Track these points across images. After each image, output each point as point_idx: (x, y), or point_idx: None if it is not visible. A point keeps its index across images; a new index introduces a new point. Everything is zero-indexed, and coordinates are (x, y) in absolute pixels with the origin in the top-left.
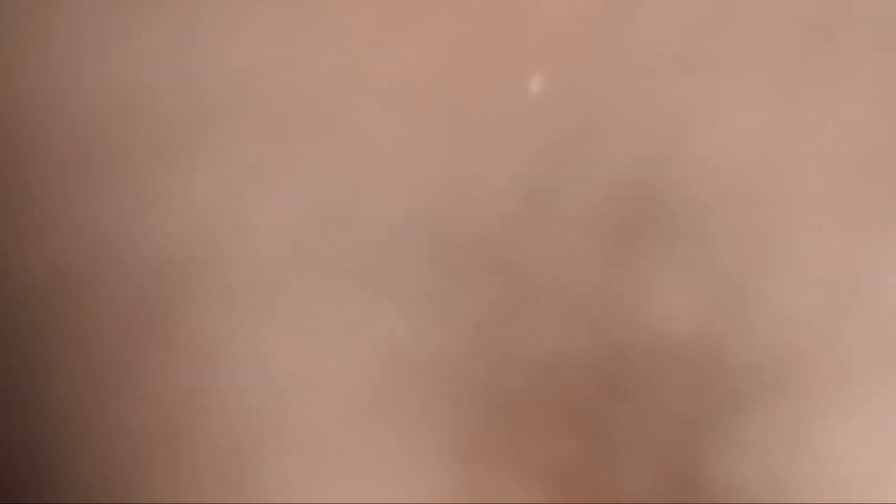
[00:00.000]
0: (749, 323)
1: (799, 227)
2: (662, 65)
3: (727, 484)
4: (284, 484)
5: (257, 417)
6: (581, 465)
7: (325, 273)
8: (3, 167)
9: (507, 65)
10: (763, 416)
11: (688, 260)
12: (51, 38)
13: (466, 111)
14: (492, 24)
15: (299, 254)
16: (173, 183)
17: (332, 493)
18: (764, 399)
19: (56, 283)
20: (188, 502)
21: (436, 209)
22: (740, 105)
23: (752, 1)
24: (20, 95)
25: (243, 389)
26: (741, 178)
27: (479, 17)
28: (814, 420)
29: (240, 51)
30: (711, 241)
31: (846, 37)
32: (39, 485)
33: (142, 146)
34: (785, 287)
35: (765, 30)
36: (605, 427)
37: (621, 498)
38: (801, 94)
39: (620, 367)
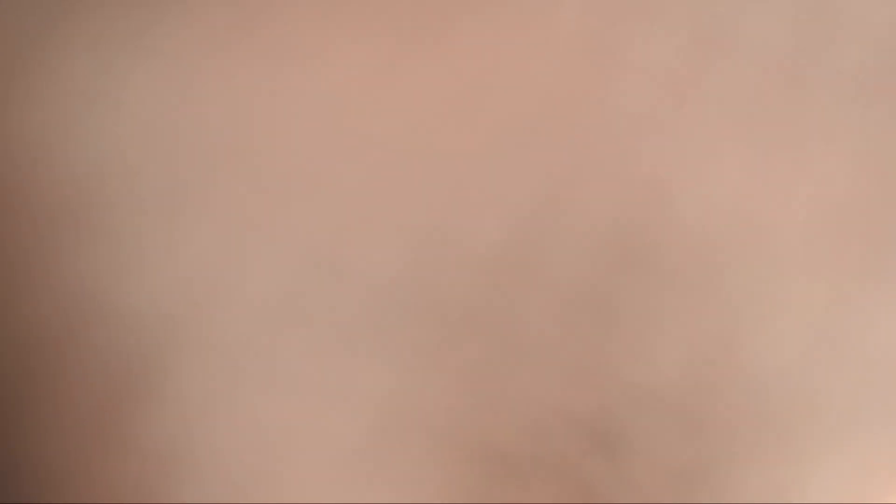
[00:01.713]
0: (734, 376)
1: (779, 279)
2: (641, 123)
3: None
4: None
5: (243, 476)
6: None
7: (312, 329)
8: None
9: (491, 124)
10: (751, 469)
11: (672, 315)
12: (38, 97)
13: (452, 169)
14: (476, 83)
15: (285, 310)
16: (157, 240)
17: None
18: (752, 451)
19: (38, 338)
20: None
21: (423, 266)
22: (718, 160)
23: (728, 58)
24: (5, 152)
25: (230, 448)
26: (722, 233)
27: (464, 76)
28: (801, 472)
29: (225, 109)
30: (695, 295)
31: (821, 90)
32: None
33: (126, 203)
34: (768, 339)
35: (741, 85)
36: (594, 483)
37: None
38: (778, 148)
39: (608, 422)
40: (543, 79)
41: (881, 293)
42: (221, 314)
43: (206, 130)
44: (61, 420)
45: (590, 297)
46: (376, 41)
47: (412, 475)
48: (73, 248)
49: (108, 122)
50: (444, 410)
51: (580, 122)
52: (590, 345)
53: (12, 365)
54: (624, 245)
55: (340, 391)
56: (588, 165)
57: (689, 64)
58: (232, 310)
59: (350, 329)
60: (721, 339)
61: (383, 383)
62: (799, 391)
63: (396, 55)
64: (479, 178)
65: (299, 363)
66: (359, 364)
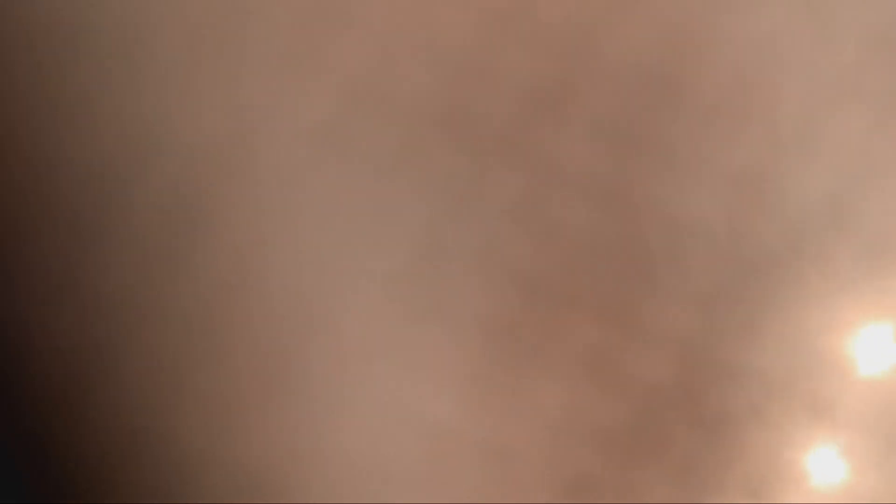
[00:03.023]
0: (770, 203)
1: (816, 109)
2: None
3: (745, 363)
4: (318, 371)
5: (291, 306)
6: (606, 346)
7: (353, 159)
8: (47, 64)
9: None
10: (780, 297)
11: (709, 148)
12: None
13: (484, 11)
14: None
15: (327, 140)
16: (202, 76)
17: (366, 381)
18: (781, 280)
19: (100, 175)
20: (226, 389)
21: (461, 97)
22: None
23: None
24: None
25: (278, 274)
26: (759, 60)
27: None
28: (831, 302)
29: None
30: (730, 124)
31: None
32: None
33: (175, 41)
34: (803, 170)
35: None
36: (631, 309)
37: (645, 380)
38: None
39: (646, 246)
40: None
41: None
42: (267, 146)
43: None
44: (122, 252)
45: (624, 131)
46: None
47: (453, 303)
48: (126, 86)
49: None
50: (483, 239)
51: None
52: (628, 176)
53: (78, 199)
54: (661, 79)
55: (381, 220)
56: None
57: None
58: (276, 141)
59: (388, 159)
60: (758, 171)
61: (423, 212)
62: (833, 220)
63: None
64: (517, 9)
65: (342, 192)
66: (399, 193)
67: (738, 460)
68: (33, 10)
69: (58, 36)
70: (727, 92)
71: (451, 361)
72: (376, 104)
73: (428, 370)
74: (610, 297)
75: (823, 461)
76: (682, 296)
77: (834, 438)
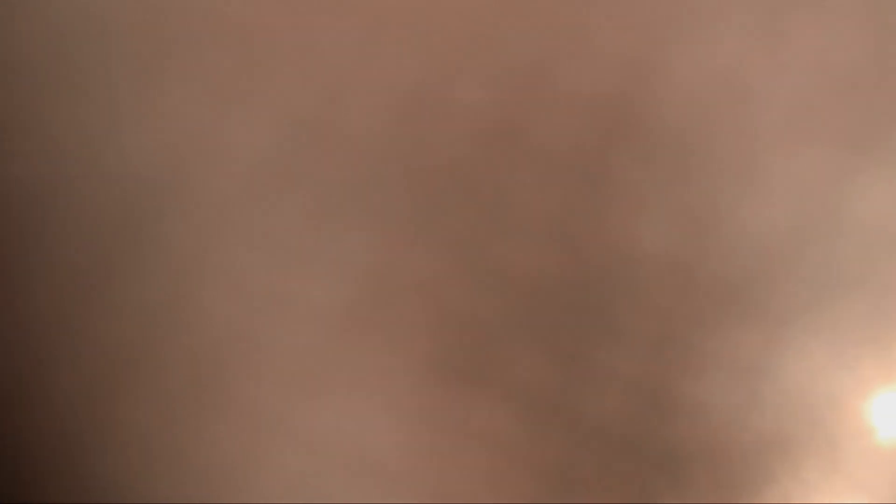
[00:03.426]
0: (720, 241)
1: (770, 145)
2: None
3: (695, 404)
4: (257, 401)
5: (235, 336)
6: (555, 383)
7: (298, 193)
8: None
9: None
10: (731, 337)
11: (661, 183)
12: None
13: (440, 33)
14: None
15: (271, 174)
16: (142, 104)
17: (307, 411)
18: (732, 319)
19: (28, 198)
20: (161, 417)
21: (409, 132)
22: (712, 27)
23: None
24: (6, 9)
25: (218, 309)
26: (712, 102)
27: None
28: (779, 342)
29: None
30: (684, 159)
31: None
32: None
33: (113, 65)
34: (755, 206)
35: None
36: (579, 345)
37: (592, 417)
38: (774, 13)
39: (594, 284)
40: None
41: (872, 164)
42: (208, 177)
43: None
44: (52, 280)
45: (577, 167)
46: None
47: (398, 337)
48: (63, 108)
49: None
50: (430, 277)
51: None
52: (576, 213)
53: (6, 223)
54: (613, 114)
55: (326, 255)
56: (578, 34)
57: None
58: (218, 173)
59: (335, 193)
60: (709, 207)
61: (368, 248)
62: (783, 258)
63: None
64: (468, 45)
65: (285, 226)
66: (344, 228)
67: (693, 498)
68: None
69: None
70: (681, 128)
71: (396, 392)
72: (323, 138)
73: (371, 403)
74: (558, 334)
75: (777, 493)
76: (633, 333)
77: (791, 472)
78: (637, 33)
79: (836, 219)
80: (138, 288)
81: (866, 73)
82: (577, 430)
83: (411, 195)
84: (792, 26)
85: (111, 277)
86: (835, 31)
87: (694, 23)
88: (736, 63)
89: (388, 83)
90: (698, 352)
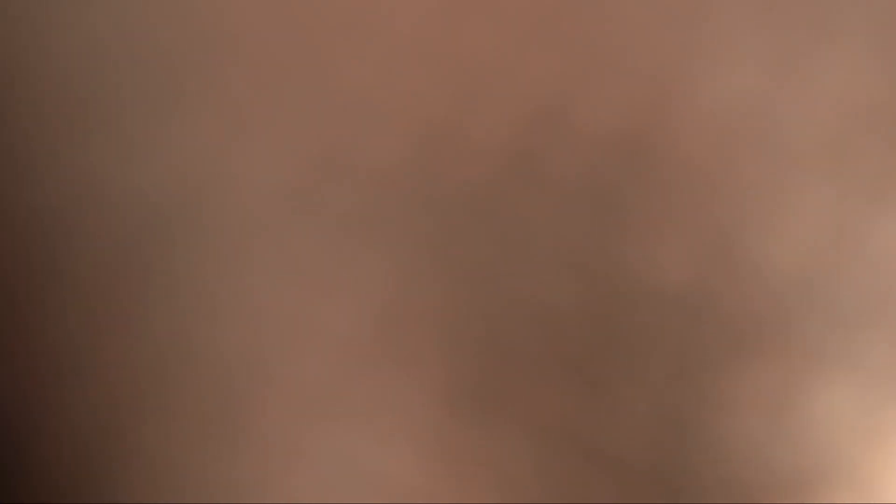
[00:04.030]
0: (740, 274)
1: (790, 179)
2: (658, 12)
3: (721, 435)
4: (274, 429)
5: (252, 363)
6: (572, 414)
7: (315, 220)
8: None
9: (499, 22)
10: (751, 365)
11: (680, 210)
12: None
13: (458, 64)
14: None
15: (289, 201)
16: (160, 133)
17: (328, 439)
18: (756, 350)
19: (44, 227)
20: (175, 446)
21: (427, 160)
22: (733, 57)
23: None
24: (8, 40)
25: (237, 336)
26: (734, 128)
27: None
28: (801, 376)
29: (237, 4)
30: (703, 191)
31: None
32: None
33: (129, 93)
34: (775, 239)
35: None
36: (597, 377)
37: (609, 448)
38: (798, 44)
39: (612, 316)
40: None
41: (892, 198)
42: (226, 205)
43: (211, 14)
44: (66, 305)
45: (594, 194)
46: None
47: (414, 366)
48: (78, 138)
49: (115, 7)
50: (446, 306)
51: (590, 17)
52: (593, 245)
53: (19, 253)
54: (631, 147)
55: (343, 282)
56: (596, 61)
57: None
58: (236, 201)
59: (353, 221)
60: (727, 238)
61: (385, 277)
62: (804, 291)
63: None
64: (485, 74)
65: (301, 254)
66: (362, 255)
67: None
68: None
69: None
70: (700, 161)
71: (412, 421)
72: (338, 167)
73: (388, 429)
74: (576, 364)
75: None
76: (651, 364)
77: None
78: (656, 66)
79: (857, 252)
80: (153, 315)
81: (886, 108)
82: (595, 462)
83: (429, 225)
84: (812, 62)
85: (126, 304)
86: (855, 68)
87: (713, 58)
88: (756, 97)
89: (405, 114)
90: (718, 385)
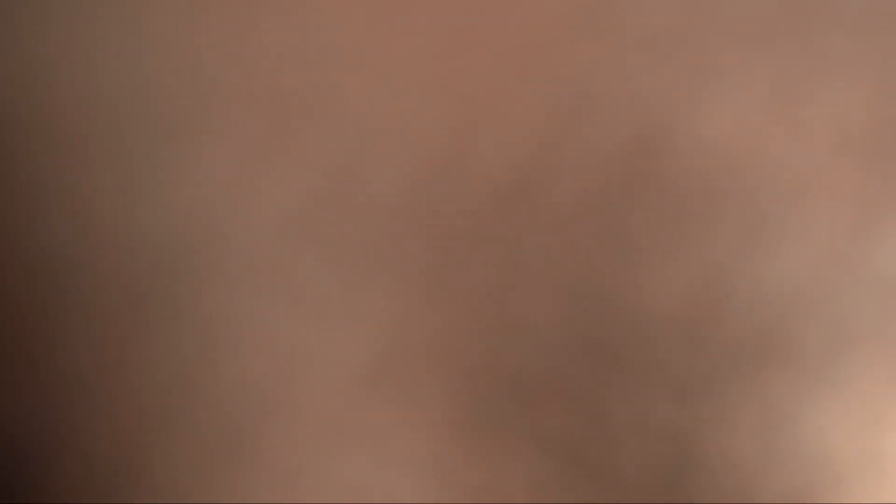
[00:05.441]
0: (740, 295)
1: (789, 202)
2: (656, 42)
3: (720, 455)
4: (285, 457)
5: (259, 393)
6: (576, 436)
7: (322, 250)
8: (4, 151)
9: (499, 51)
10: (754, 388)
11: (679, 238)
12: (50, 29)
13: (460, 92)
14: (485, 10)
15: (296, 230)
16: (167, 164)
17: (332, 467)
18: (754, 371)
19: (53, 264)
20: (181, 475)
21: (431, 187)
22: (733, 82)
23: None
24: (23, 80)
25: (244, 366)
26: (733, 154)
27: (472, 3)
28: (801, 395)
29: (235, 31)
30: (704, 214)
31: (836, 17)
32: (42, 457)
33: (136, 126)
34: (776, 260)
35: (751, 10)
36: (600, 400)
37: (616, 469)
38: (791, 74)
39: (614, 339)
40: (552, 4)
41: (889, 219)
42: (233, 236)
43: (216, 53)
44: (81, 341)
45: (595, 222)
46: None
47: (420, 392)
48: (85, 171)
49: (125, 47)
50: (452, 332)
51: (587, 47)
52: (595, 269)
53: (27, 290)
54: (631, 172)
55: (347, 310)
56: (595, 90)
57: None
58: (244, 231)
59: (356, 251)
60: (726, 264)
61: (389, 304)
62: (800, 313)
63: None
64: (487, 102)
65: (311, 283)
66: (364, 284)
67: None
68: None
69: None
70: (700, 186)
71: (415, 449)
72: (342, 196)
73: (392, 457)
74: (579, 388)
75: None
76: (654, 386)
77: None
78: (655, 94)
79: (854, 272)
80: (159, 346)
81: (879, 134)
82: (597, 485)
83: (431, 254)
84: (810, 91)
85: (132, 336)
86: (851, 96)
87: (711, 86)
88: (755, 124)
89: (410, 144)
90: (715, 406)
